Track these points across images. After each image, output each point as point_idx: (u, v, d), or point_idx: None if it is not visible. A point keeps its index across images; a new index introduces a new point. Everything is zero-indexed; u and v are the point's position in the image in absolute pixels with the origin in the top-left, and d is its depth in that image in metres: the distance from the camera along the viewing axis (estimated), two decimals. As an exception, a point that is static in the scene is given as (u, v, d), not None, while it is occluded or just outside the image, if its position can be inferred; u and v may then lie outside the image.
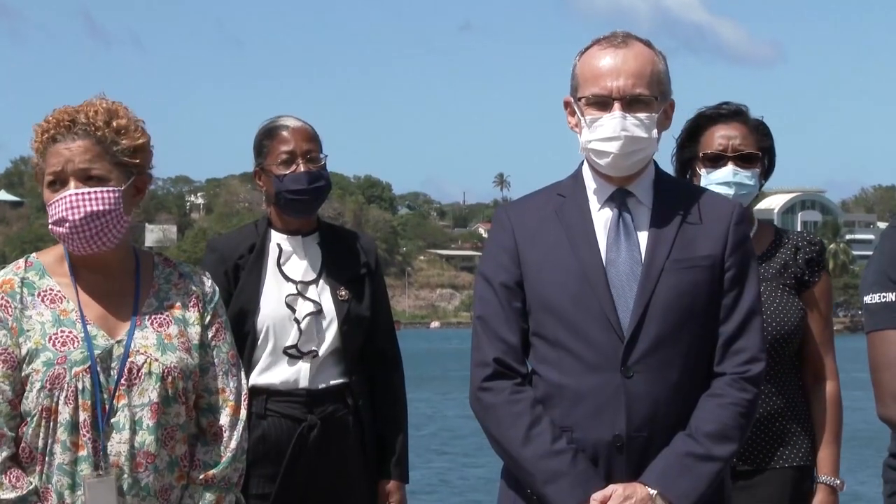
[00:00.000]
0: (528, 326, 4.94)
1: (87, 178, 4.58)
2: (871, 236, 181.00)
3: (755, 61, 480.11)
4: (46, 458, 4.56)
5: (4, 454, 4.52)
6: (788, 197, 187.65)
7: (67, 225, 4.55)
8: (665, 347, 4.84)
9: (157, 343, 4.67)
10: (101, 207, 4.56)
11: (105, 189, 4.58)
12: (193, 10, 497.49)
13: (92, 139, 4.60)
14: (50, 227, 4.61)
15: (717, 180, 6.07)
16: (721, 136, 6.16)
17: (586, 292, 4.86)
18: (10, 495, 4.48)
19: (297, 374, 6.31)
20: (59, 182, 4.57)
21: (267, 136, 6.51)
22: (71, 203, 4.54)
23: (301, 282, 6.40)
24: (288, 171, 6.39)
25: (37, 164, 4.65)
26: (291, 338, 6.31)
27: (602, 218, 4.97)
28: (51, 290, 4.68)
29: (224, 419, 4.77)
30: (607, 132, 4.88)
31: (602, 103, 4.90)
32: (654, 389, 4.81)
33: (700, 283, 4.88)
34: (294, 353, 6.30)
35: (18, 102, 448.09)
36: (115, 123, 4.64)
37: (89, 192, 4.55)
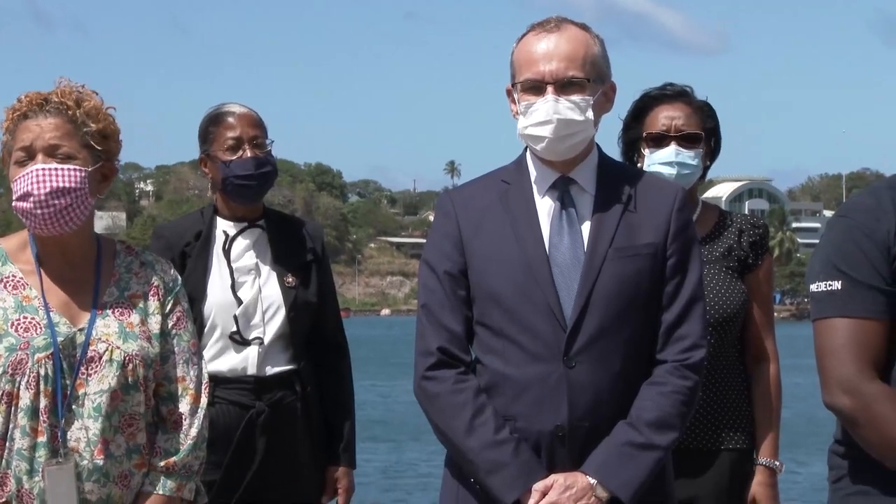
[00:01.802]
0: (472, 315, 4.95)
1: (55, 155, 4.58)
2: (817, 224, 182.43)
3: (699, 50, 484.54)
4: (6, 444, 4.57)
5: None
6: (736, 185, 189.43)
7: (32, 199, 4.54)
8: (607, 337, 4.85)
9: (119, 331, 4.68)
10: (66, 185, 4.56)
11: (72, 167, 4.58)
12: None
13: (64, 118, 4.62)
14: (14, 203, 4.61)
15: (660, 160, 6.10)
16: (665, 117, 6.18)
17: (530, 283, 4.86)
18: None
19: (245, 360, 6.33)
20: (28, 157, 4.58)
21: (212, 123, 6.51)
22: (37, 177, 4.55)
23: (247, 268, 6.41)
24: (234, 157, 6.40)
25: (6, 142, 4.66)
26: (238, 322, 6.32)
27: (545, 206, 4.97)
28: (13, 276, 4.69)
29: (184, 407, 4.77)
30: (540, 116, 4.89)
31: (536, 88, 4.92)
32: (596, 379, 4.82)
33: (642, 272, 4.89)
34: (239, 340, 6.31)
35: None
36: (85, 105, 4.66)
37: (56, 168, 4.56)
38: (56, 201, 4.55)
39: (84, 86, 4.74)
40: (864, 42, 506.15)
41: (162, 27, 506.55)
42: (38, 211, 4.56)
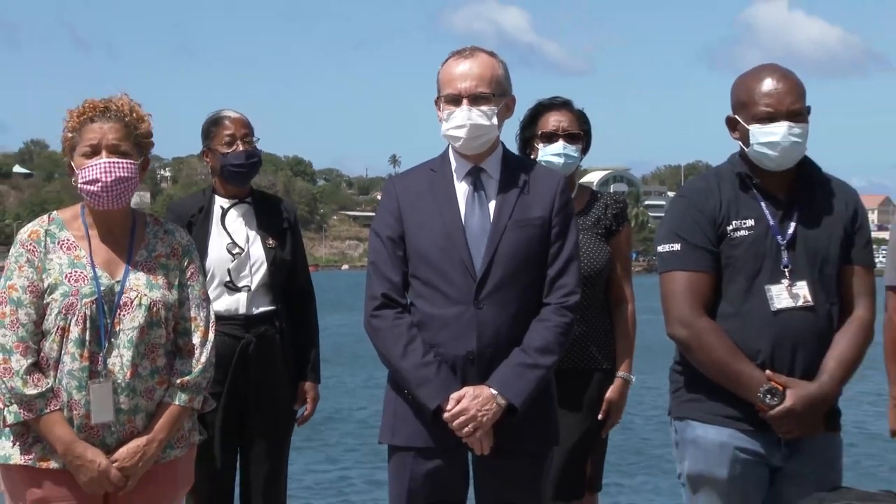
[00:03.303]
0: (407, 270, 4.94)
1: (116, 151, 4.57)
2: (662, 202, 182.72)
3: (574, 72, 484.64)
4: (59, 366, 4.54)
5: (29, 361, 4.49)
6: (603, 173, 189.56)
7: (99, 185, 4.54)
8: (506, 286, 4.84)
9: (146, 283, 4.64)
10: (125, 174, 4.57)
11: (129, 161, 4.58)
12: (153, 21, 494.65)
13: (121, 122, 4.60)
14: (80, 185, 4.59)
15: (551, 152, 6.12)
16: (554, 120, 6.19)
17: (450, 246, 4.86)
18: (33, 391, 4.46)
19: (237, 303, 6.30)
20: (93, 152, 4.56)
21: (213, 124, 6.47)
22: (105, 168, 4.54)
23: (238, 233, 6.38)
24: (230, 150, 6.37)
25: (70, 138, 4.62)
26: (231, 275, 6.30)
27: (462, 189, 4.96)
28: (67, 240, 4.65)
29: (196, 340, 4.74)
30: (458, 122, 4.89)
31: (455, 100, 4.90)
32: (497, 317, 4.82)
33: (533, 238, 4.89)
34: (232, 287, 6.30)
35: (18, 97, 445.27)
36: (135, 114, 4.66)
37: (119, 162, 4.56)
38: (117, 186, 4.56)
39: (126, 95, 4.74)
40: (693, 66, 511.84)
41: (173, 50, 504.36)
42: (104, 193, 4.56)
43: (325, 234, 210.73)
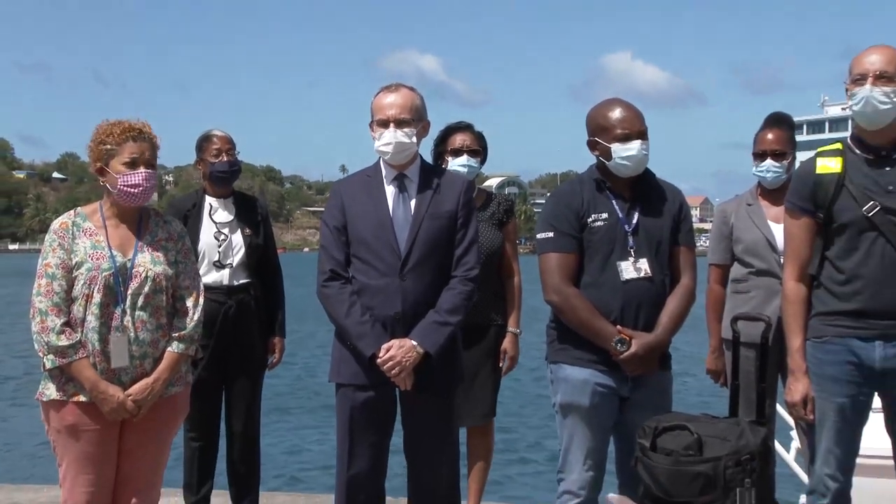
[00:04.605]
0: (349, 251, 4.91)
1: (149, 165, 4.54)
2: (543, 201, 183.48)
3: (474, 103, 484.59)
4: (85, 324, 4.47)
5: (62, 320, 4.43)
6: (499, 179, 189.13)
7: (140, 188, 4.52)
8: (424, 263, 4.83)
9: (151, 260, 4.58)
10: (154, 182, 4.58)
11: (153, 172, 4.58)
12: (156, 65, 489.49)
13: (149, 142, 4.57)
14: (122, 187, 4.53)
15: (458, 164, 6.07)
16: (460, 139, 6.14)
17: (381, 232, 4.84)
18: (65, 343, 4.39)
19: (222, 276, 6.22)
20: (133, 163, 4.52)
21: (204, 140, 6.39)
22: (145, 178, 4.51)
23: (223, 224, 6.30)
24: (217, 161, 6.30)
25: (108, 150, 4.54)
26: (217, 255, 6.23)
27: (390, 190, 4.94)
28: (90, 228, 4.58)
29: (190, 303, 4.68)
30: (386, 140, 4.86)
31: (384, 123, 4.88)
32: (417, 287, 4.81)
33: (444, 227, 4.88)
34: (218, 265, 6.22)
35: (53, 119, 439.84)
36: (154, 136, 4.63)
37: (152, 172, 4.56)
38: (150, 190, 4.56)
39: (146, 122, 4.69)
40: (563, 98, 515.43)
41: (173, 87, 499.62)
42: (142, 194, 4.54)
43: (291, 224, 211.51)
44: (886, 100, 4.39)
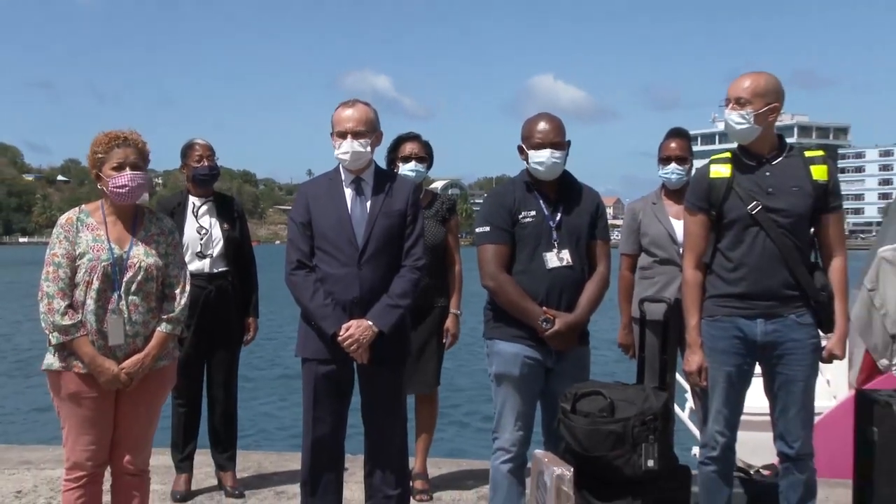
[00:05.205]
0: (313, 244, 4.91)
1: (135, 167, 4.49)
2: (481, 200, 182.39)
3: (421, 116, 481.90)
4: (85, 307, 4.45)
5: (66, 303, 4.41)
6: (443, 182, 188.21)
7: (127, 188, 4.47)
8: (379, 255, 4.85)
9: (144, 252, 4.55)
10: (142, 182, 4.51)
11: (142, 174, 4.51)
12: (146, 83, 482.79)
13: (135, 148, 4.52)
14: (112, 188, 4.50)
15: (407, 169, 6.05)
16: (409, 147, 6.12)
17: (341, 228, 4.85)
18: (68, 322, 4.38)
19: (204, 265, 6.20)
20: (120, 167, 4.47)
21: (188, 148, 6.36)
22: (131, 178, 4.46)
23: (204, 221, 6.28)
24: (198, 165, 6.27)
25: (101, 157, 4.52)
26: (200, 247, 6.20)
27: (349, 192, 4.94)
28: (91, 224, 4.54)
29: (177, 290, 4.64)
30: (345, 149, 4.86)
31: (342, 134, 4.87)
32: (373, 275, 4.83)
33: (395, 224, 4.89)
34: (200, 255, 6.19)
35: (56, 128, 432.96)
36: (141, 143, 4.57)
37: (139, 174, 4.49)
38: (137, 189, 4.50)
39: (135, 131, 4.63)
40: (497, 113, 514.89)
41: (160, 101, 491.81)
42: (129, 193, 4.49)
43: (264, 220, 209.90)
44: (742, 120, 4.55)
